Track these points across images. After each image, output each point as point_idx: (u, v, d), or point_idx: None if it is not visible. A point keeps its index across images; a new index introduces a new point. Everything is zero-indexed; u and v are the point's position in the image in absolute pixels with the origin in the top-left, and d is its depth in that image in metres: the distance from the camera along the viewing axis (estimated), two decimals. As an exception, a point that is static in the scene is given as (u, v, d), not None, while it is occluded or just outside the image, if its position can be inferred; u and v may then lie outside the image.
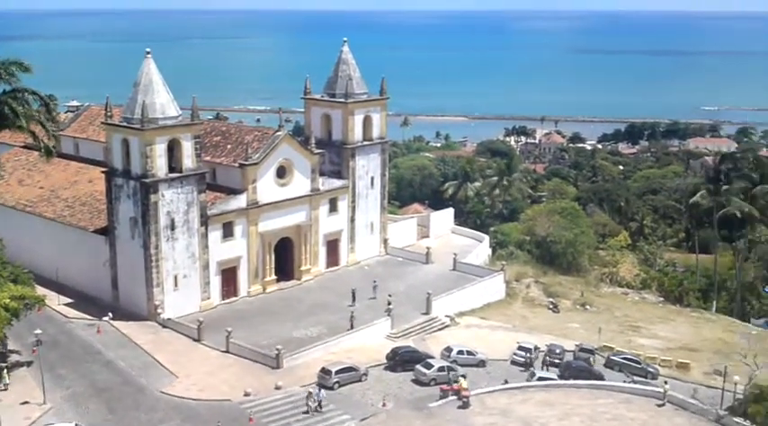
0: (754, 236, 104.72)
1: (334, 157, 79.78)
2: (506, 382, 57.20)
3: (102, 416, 50.60)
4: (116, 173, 65.77)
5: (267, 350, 59.21)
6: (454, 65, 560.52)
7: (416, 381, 56.80)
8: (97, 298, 68.86)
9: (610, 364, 63.55)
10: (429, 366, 57.24)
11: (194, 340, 62.10)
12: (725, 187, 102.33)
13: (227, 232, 69.60)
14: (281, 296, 72.55)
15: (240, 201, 70.08)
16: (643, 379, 61.06)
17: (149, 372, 56.74)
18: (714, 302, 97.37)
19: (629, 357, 64.15)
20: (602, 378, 59.50)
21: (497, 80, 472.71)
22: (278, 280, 74.15)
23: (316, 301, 71.12)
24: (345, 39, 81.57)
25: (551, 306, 78.44)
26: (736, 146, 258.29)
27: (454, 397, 53.85)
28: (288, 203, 73.62)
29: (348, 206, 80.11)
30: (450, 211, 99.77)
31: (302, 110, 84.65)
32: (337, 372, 55.55)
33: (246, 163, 69.98)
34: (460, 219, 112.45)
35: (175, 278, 66.02)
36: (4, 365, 55.12)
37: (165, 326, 64.42)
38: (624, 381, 59.88)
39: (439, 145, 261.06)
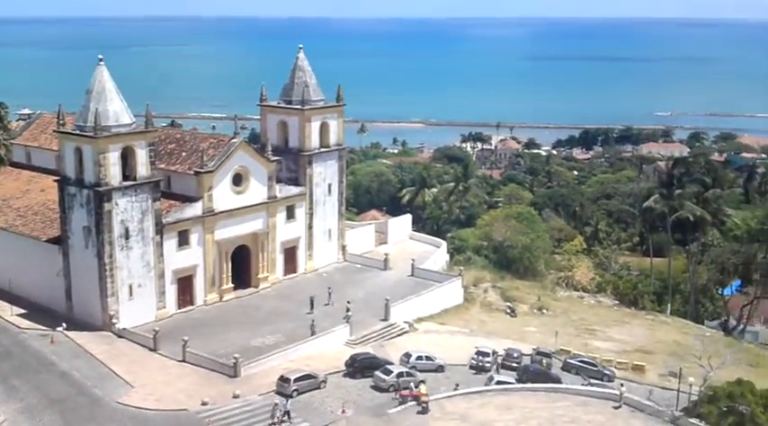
0: (707, 240, 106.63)
1: (290, 164, 79.45)
2: (457, 386, 57.23)
3: (57, 428, 49.67)
4: (69, 182, 64.69)
5: (224, 358, 58.63)
6: (410, 71, 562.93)
7: (376, 387, 56.68)
8: (51, 309, 67.54)
9: (567, 367, 64.10)
10: (388, 372, 57.17)
11: (150, 349, 61.28)
12: (678, 191, 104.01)
13: (183, 240, 68.83)
14: (239, 304, 71.96)
15: (196, 209, 69.38)
16: (599, 382, 61.70)
17: (105, 383, 55.83)
18: (668, 305, 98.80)
19: (585, 360, 64.79)
20: (559, 381, 59.97)
21: (453, 87, 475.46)
22: (235, 289, 73.51)
23: (273, 309, 70.68)
24: (301, 46, 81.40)
25: (509, 311, 78.95)
26: (689, 150, 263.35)
27: (413, 403, 53.85)
28: (244, 211, 73.10)
29: (305, 213, 79.82)
30: (407, 217, 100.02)
31: (258, 117, 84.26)
32: (296, 380, 55.20)
33: (202, 170, 69.35)
34: (418, 225, 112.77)
35: (130, 287, 65.11)
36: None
37: (120, 336, 63.47)
38: (582, 384, 60.44)
39: (396, 151, 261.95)
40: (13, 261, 70.45)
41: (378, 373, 57.29)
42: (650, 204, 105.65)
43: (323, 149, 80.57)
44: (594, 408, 55.36)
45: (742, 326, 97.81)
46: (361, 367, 58.75)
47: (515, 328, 74.12)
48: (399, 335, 68.09)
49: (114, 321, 64.08)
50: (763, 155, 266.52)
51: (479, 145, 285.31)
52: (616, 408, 55.44)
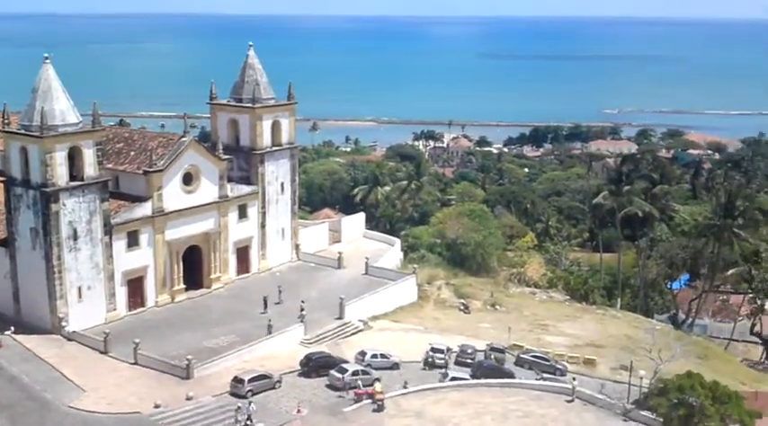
0: (656, 235, 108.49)
1: (242, 163, 78.80)
2: (406, 384, 57.31)
3: (5, 434, 48.65)
4: (15, 183, 63.25)
5: (177, 360, 58.00)
6: (363, 69, 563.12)
7: (331, 386, 56.53)
8: (-3, 312, 66.07)
9: (520, 362, 64.69)
10: (343, 370, 57.08)
11: (101, 352, 60.32)
12: (626, 187, 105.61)
13: (133, 241, 67.81)
14: (191, 305, 71.15)
15: (145, 209, 68.41)
16: (552, 376, 62.41)
17: (55, 387, 54.77)
18: (618, 299, 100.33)
19: (538, 355, 65.45)
20: (512, 377, 60.51)
21: (406, 85, 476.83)
22: (187, 289, 72.62)
23: (226, 309, 70.03)
24: (251, 43, 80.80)
25: (462, 307, 79.36)
26: (637, 147, 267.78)
27: (369, 401, 53.85)
28: (195, 210, 72.26)
29: (258, 212, 79.24)
30: (361, 216, 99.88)
31: (208, 115, 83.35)
32: (250, 380, 54.81)
33: (151, 169, 68.36)
34: (371, 224, 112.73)
35: (79, 289, 63.94)
36: None
37: (70, 339, 62.34)
38: (535, 378, 61.04)
39: (349, 149, 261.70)
40: (-43, 265, 68.69)
41: (333, 372, 57.14)
42: (599, 200, 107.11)
43: (275, 148, 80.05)
44: (547, 402, 55.98)
45: (691, 319, 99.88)
46: (316, 366, 58.56)
47: (469, 325, 74.54)
48: (354, 334, 68.00)
49: (63, 324, 62.85)
50: (710, 152, 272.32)
51: (432, 143, 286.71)
52: (569, 402, 56.15)
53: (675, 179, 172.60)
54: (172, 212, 70.09)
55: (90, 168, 63.35)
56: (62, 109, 62.02)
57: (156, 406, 52.20)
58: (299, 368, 59.00)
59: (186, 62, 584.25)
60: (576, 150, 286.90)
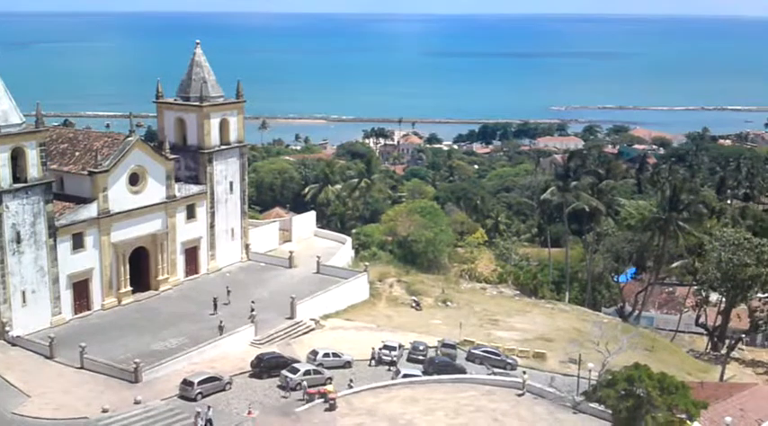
0: (602, 229, 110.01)
1: (190, 162, 77.87)
2: (351, 382, 57.16)
3: (-54, 445, 47.39)
4: (-47, 185, 61.63)
5: (124, 364, 57.16)
6: (312, 67, 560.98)
7: (283, 387, 56.16)
8: (-64, 319, 64.24)
9: (471, 357, 65.06)
10: (295, 370, 56.78)
11: (46, 357, 59.13)
12: (573, 183, 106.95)
13: (78, 243, 66.58)
14: (138, 307, 70.14)
15: (90, 211, 67.21)
16: (503, 370, 62.93)
17: (-2, 394, 53.55)
18: (567, 293, 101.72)
19: (489, 350, 65.89)
20: (464, 372, 60.85)
21: (355, 82, 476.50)
22: (134, 292, 71.61)
23: (175, 311, 69.17)
24: (198, 41, 79.91)
25: (414, 304, 79.57)
26: (583, 143, 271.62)
27: (321, 400, 53.67)
28: (142, 211, 71.25)
29: (207, 212, 78.40)
30: (311, 214, 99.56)
31: (155, 114, 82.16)
32: (200, 383, 54.23)
33: (96, 170, 67.18)
34: (322, 222, 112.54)
35: (23, 293, 62.57)
36: None
37: (14, 344, 61.03)
38: (486, 373, 61.47)
39: (299, 148, 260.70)
40: None
41: (284, 372, 56.80)
42: (547, 196, 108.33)
43: (223, 146, 79.27)
44: (499, 396, 56.44)
45: (637, 312, 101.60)
46: (267, 366, 58.15)
47: (421, 321, 74.74)
48: (306, 333, 67.71)
49: (7, 329, 61.47)
50: (655, 147, 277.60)
51: (382, 140, 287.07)
52: (520, 395, 56.68)
53: (621, 174, 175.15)
54: (118, 213, 68.98)
55: (33, 169, 62.03)
56: (4, 109, 60.56)
57: (104, 411, 51.36)
58: (250, 369, 58.53)
59: (131, 61, 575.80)
60: (525, 147, 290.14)
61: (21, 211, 61.54)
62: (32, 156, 61.81)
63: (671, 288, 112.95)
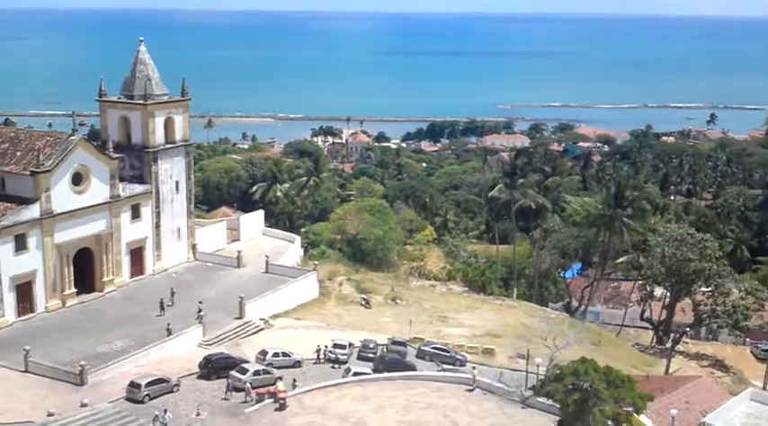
0: (549, 226, 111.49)
1: (134, 162, 76.62)
2: (295, 381, 56.68)
3: None
4: None
5: (70, 366, 56.09)
6: (259, 65, 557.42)
7: (234, 387, 55.56)
8: None
9: (421, 354, 65.25)
10: (244, 370, 56.28)
11: (-12, 362, 57.72)
12: (520, 180, 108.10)
13: (20, 244, 65.00)
14: (83, 309, 68.84)
15: (33, 211, 65.69)
16: (452, 367, 63.25)
17: (-64, 400, 52.05)
18: (515, 289, 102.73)
19: (438, 346, 66.18)
20: (414, 369, 61.00)
21: (303, 80, 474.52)
22: (78, 293, 70.21)
23: (121, 313, 68.02)
24: (142, 38, 78.63)
25: (364, 303, 79.54)
26: (529, 141, 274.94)
27: (270, 400, 53.29)
28: (86, 211, 69.87)
29: (152, 212, 77.21)
30: (260, 213, 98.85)
31: (98, 113, 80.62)
32: (147, 385, 53.49)
33: (38, 170, 65.68)
34: (271, 221, 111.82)
35: (-38, 297, 60.97)
36: None
37: (-47, 349, 59.42)
38: (436, 370, 61.71)
39: (246, 146, 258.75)
40: None
41: (233, 372, 56.26)
42: (495, 194, 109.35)
43: (168, 145, 78.13)
44: (449, 393, 56.71)
45: (584, 307, 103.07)
46: (215, 367, 57.53)
47: (371, 319, 74.75)
48: (255, 333, 67.19)
49: (-55, 333, 59.83)
50: (599, 144, 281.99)
51: (330, 139, 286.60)
52: (469, 391, 57.03)
53: (566, 171, 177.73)
54: (61, 214, 67.57)
55: (-29, 169, 60.42)
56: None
57: (50, 414, 50.17)
58: (198, 370, 57.86)
59: (74, 58, 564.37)
60: (472, 145, 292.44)
61: (-41, 212, 59.94)
62: (-29, 156, 60.28)
63: (616, 284, 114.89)
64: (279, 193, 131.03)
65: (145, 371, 56.39)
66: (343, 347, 63.07)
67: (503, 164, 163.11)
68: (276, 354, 60.62)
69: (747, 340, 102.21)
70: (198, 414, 51.38)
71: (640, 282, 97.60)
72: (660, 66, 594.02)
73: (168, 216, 78.97)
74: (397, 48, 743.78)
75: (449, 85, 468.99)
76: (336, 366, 61.22)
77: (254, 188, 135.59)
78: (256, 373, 56.18)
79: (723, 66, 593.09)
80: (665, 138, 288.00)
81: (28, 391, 53.91)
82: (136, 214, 75.62)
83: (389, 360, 61.64)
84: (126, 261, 74.88)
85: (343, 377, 58.63)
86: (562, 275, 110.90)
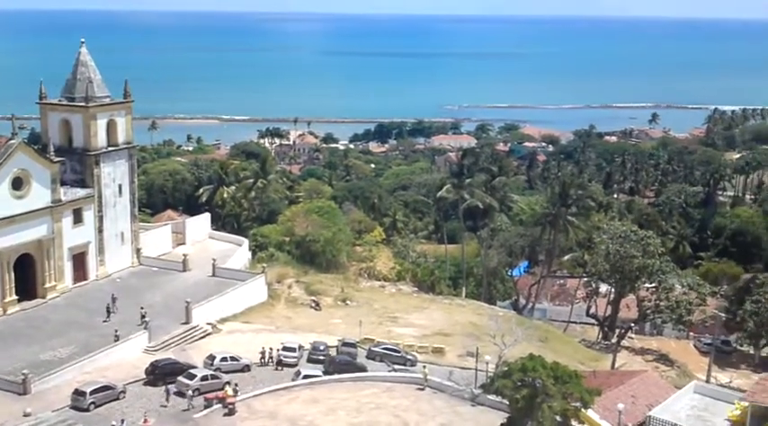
0: (496, 225, 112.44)
1: (76, 165, 75.09)
2: (236, 386, 55.95)
3: None
4: None
5: (12, 375, 54.76)
6: (204, 66, 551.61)
7: (179, 393, 54.78)
8: None
9: (371, 355, 65.16)
10: (192, 376, 55.52)
11: (-74, 372, 55.98)
12: (468, 180, 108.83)
13: (-42, 251, 63.30)
14: (25, 316, 67.17)
15: (-29, 217, 63.99)
16: (403, 367, 63.31)
17: None
18: (463, 288, 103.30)
19: (388, 347, 66.18)
20: (364, 370, 60.91)
21: (250, 82, 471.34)
22: (20, 300, 68.50)
23: (64, 319, 66.59)
24: (83, 40, 77.08)
25: (313, 305, 79.20)
26: (476, 141, 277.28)
27: (219, 405, 52.67)
28: (26, 216, 68.24)
29: (95, 216, 75.72)
30: (206, 216, 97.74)
31: (38, 116, 78.78)
32: (92, 392, 52.48)
33: (-24, 174, 64.01)
34: (218, 224, 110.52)
35: None
36: None
37: None
38: (387, 370, 61.69)
39: (191, 148, 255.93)
40: None
41: (180, 378, 55.46)
42: (443, 194, 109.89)
43: (111, 148, 76.72)
44: (399, 393, 56.77)
45: (531, 304, 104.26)
46: (162, 373, 56.64)
47: (321, 321, 74.48)
48: (202, 337, 66.38)
49: None
50: (544, 144, 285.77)
51: (278, 140, 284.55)
52: (420, 390, 57.17)
53: (513, 171, 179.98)
54: (1, 219, 65.90)
55: None
56: None
57: (-9, 426, 49.08)
58: (145, 376, 56.95)
59: (12, 61, 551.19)
60: (420, 145, 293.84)
61: None
62: None
63: (562, 281, 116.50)
64: (225, 196, 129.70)
65: (90, 378, 55.32)
66: (292, 350, 62.67)
67: (450, 165, 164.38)
68: (224, 359, 59.93)
69: (690, 334, 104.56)
70: (145, 421, 50.58)
71: (586, 279, 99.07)
72: (602, 66, 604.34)
73: (111, 220, 77.55)
74: (347, 50, 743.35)
75: (397, 86, 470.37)
76: (279, 368, 60.87)
77: (200, 190, 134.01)
78: (204, 378, 55.51)
79: (663, 66, 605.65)
80: (608, 138, 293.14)
81: (-31, 401, 52.47)
82: (78, 219, 74.10)
83: (340, 362, 61.45)
84: (68, 266, 73.30)
85: (293, 379, 58.26)
86: (509, 273, 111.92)
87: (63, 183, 72.29)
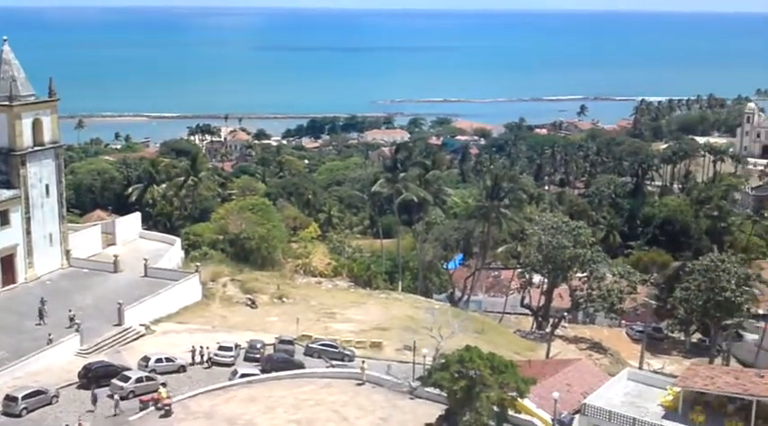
0: (431, 218, 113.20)
1: (1, 166, 72.93)
2: (165, 385, 55.12)
3: None
4: None
5: (-62, 384, 52.96)
6: (132, 63, 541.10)
7: (113, 396, 53.77)
8: None
9: (309, 352, 64.95)
10: (126, 378, 54.57)
11: None
12: (401, 175, 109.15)
13: None
14: (-50, 323, 65.08)
15: None
16: (341, 362, 63.32)
17: None
18: (400, 282, 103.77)
19: (326, 343, 66.08)
20: (302, 367, 60.74)
21: (179, 78, 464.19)
22: (-56, 306, 66.38)
23: (-8, 324, 64.68)
24: (5, 37, 74.91)
25: (249, 303, 78.53)
26: (409, 135, 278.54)
27: (153, 407, 51.91)
28: (-51, 219, 66.14)
29: (22, 218, 73.66)
30: (136, 216, 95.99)
31: (-41, 115, 76.20)
32: (24, 397, 51.22)
33: None
34: (149, 223, 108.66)
35: None
36: None
37: None
38: (325, 367, 61.63)
39: (119, 147, 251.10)
40: None
41: (115, 381, 54.47)
42: (377, 188, 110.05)
43: (37, 148, 74.71)
44: (338, 388, 56.80)
45: (466, 297, 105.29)
46: (95, 376, 55.54)
47: (257, 319, 73.90)
48: (136, 339, 65.30)
49: None
50: (476, 137, 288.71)
51: (208, 137, 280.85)
52: (359, 385, 57.30)
53: (446, 164, 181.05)
54: None
55: None
56: None
57: None
58: (78, 379, 55.75)
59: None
60: (353, 140, 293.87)
61: None
62: None
63: (497, 273, 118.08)
64: (156, 194, 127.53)
65: (21, 383, 53.94)
66: (229, 349, 62.09)
67: (384, 159, 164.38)
68: (159, 360, 59.05)
69: (623, 322, 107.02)
70: (80, 425, 49.59)
71: (519, 270, 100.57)
72: (533, 60, 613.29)
73: (39, 221, 75.54)
74: (279, 44, 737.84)
75: (329, 81, 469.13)
76: (208, 365, 60.34)
77: (130, 189, 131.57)
78: (139, 380, 54.66)
79: (593, 59, 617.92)
80: (538, 130, 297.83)
81: None
82: (4, 220, 72.06)
83: (277, 359, 61.14)
84: (-5, 270, 71.28)
85: (230, 379, 57.76)
86: (445, 266, 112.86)
87: (-13, 185, 70.20)
